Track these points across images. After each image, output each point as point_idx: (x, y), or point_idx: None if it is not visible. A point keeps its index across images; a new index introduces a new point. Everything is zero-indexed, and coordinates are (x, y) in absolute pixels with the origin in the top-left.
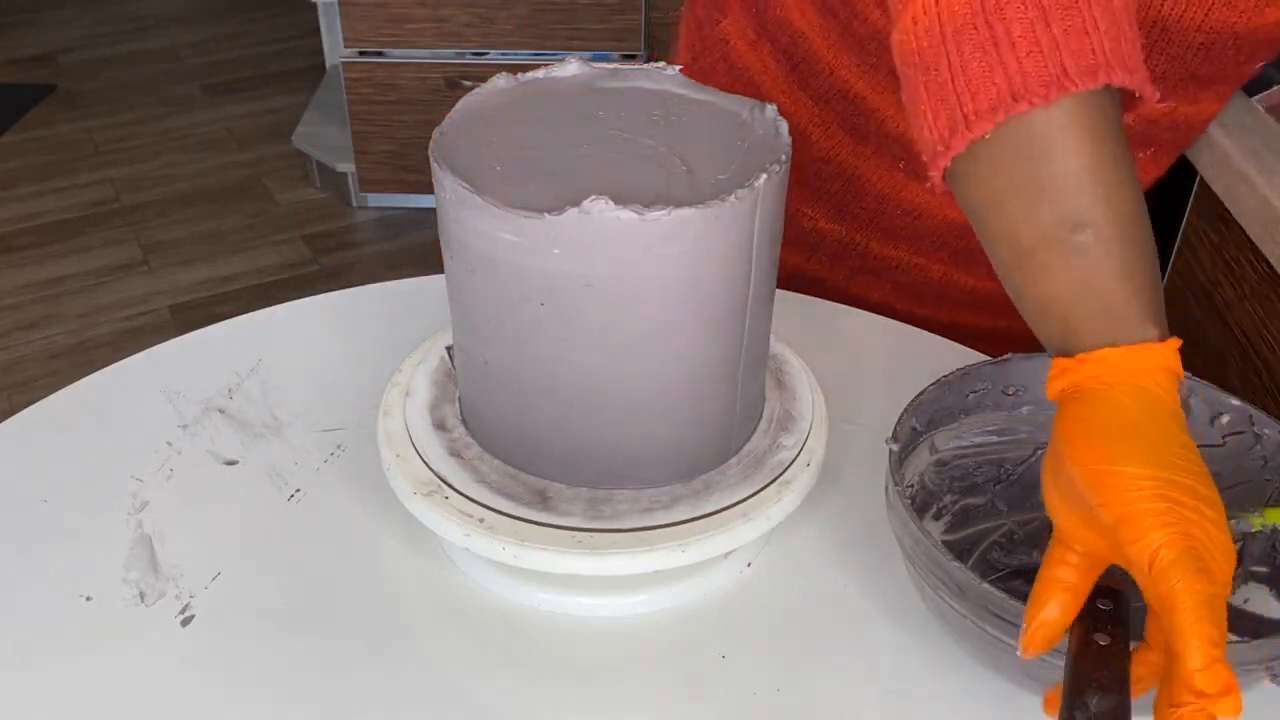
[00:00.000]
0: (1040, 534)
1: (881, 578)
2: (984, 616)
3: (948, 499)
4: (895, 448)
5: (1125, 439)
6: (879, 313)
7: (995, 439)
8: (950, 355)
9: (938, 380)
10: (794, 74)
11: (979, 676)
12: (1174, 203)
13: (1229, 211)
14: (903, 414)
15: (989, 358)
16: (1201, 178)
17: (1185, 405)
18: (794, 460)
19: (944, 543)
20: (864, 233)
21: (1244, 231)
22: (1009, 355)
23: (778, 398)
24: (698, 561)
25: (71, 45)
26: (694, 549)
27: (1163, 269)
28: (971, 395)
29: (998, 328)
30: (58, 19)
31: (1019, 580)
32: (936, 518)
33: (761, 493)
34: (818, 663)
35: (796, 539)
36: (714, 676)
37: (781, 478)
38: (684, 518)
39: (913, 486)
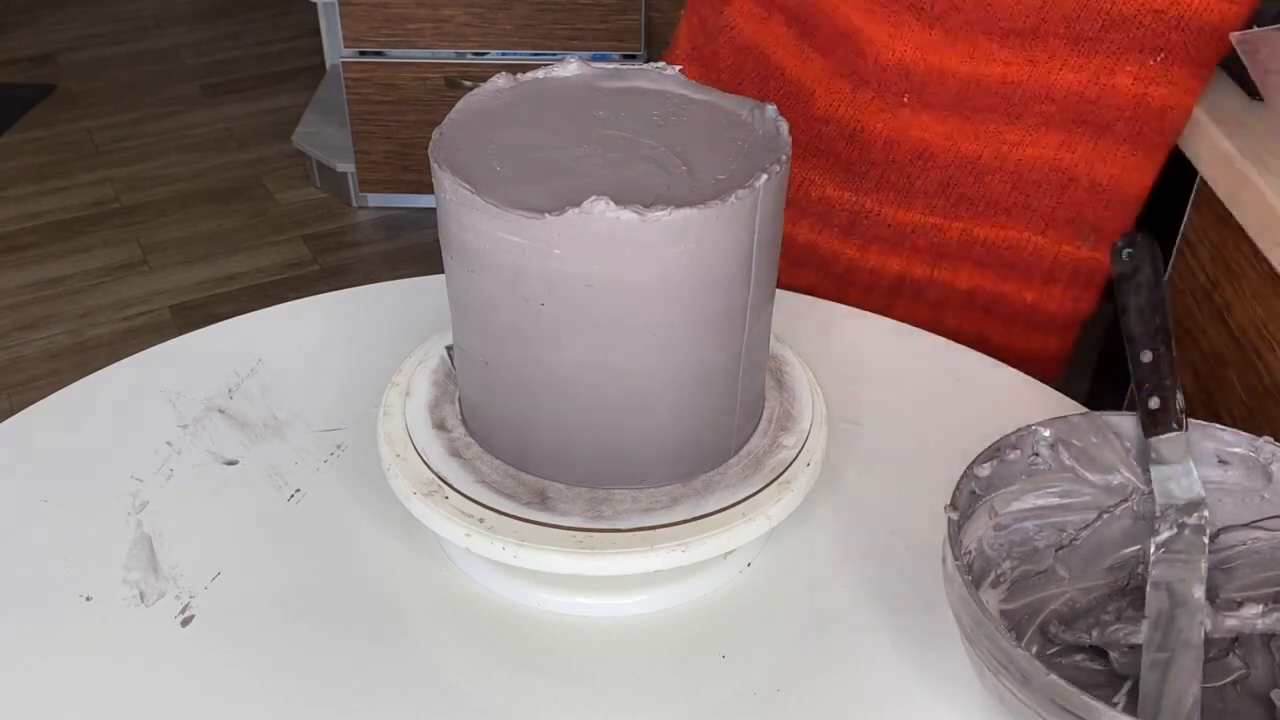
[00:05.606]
0: (1104, 604)
1: (881, 577)
2: (1049, 708)
3: (1006, 565)
4: (954, 516)
5: None
6: (899, 282)
7: (1057, 500)
8: (950, 355)
9: (998, 440)
10: (803, 31)
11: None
12: (1174, 203)
13: (1229, 211)
14: (961, 478)
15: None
16: (1202, 178)
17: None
18: (794, 460)
19: (1001, 612)
20: (874, 196)
21: (1244, 231)
22: (1075, 414)
23: (778, 398)
24: (698, 561)
25: (71, 45)
26: (694, 549)
27: (1163, 269)
28: (1034, 457)
29: (1024, 300)
30: (58, 19)
31: (1080, 655)
32: (994, 585)
33: (761, 493)
34: (818, 663)
35: (796, 539)
36: (714, 676)
37: (781, 478)
38: (684, 518)
39: (969, 553)
